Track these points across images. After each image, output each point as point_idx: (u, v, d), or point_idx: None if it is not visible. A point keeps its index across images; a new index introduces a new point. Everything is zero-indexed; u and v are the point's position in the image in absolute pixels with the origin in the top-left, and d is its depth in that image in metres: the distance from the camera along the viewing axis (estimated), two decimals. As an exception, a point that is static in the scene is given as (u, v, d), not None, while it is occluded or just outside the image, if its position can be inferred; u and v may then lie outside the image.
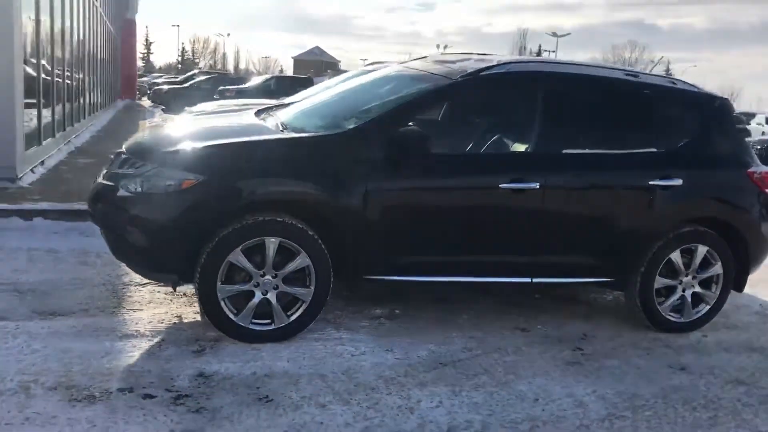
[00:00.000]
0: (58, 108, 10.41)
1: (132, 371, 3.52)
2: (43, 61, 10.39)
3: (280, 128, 4.26)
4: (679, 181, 4.43)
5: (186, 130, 4.37)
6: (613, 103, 4.55)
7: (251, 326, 3.88)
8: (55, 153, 9.54)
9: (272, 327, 3.91)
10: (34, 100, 8.26)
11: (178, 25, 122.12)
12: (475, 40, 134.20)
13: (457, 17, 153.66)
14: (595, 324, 4.77)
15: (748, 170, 4.65)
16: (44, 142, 8.57)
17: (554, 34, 62.31)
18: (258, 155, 3.88)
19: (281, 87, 22.83)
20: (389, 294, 4.86)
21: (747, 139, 4.92)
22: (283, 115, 4.57)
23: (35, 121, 8.42)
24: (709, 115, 4.71)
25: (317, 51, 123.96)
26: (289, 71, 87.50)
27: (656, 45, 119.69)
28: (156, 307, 4.39)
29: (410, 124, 4.13)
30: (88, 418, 3.02)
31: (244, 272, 3.82)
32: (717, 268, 4.63)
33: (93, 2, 19.04)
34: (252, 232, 3.76)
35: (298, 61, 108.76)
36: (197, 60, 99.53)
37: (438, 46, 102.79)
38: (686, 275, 4.60)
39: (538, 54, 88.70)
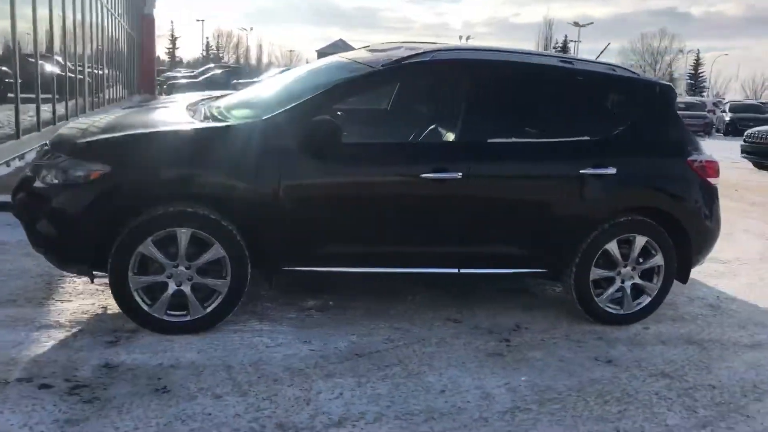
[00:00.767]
0: (46, 105, 10.51)
1: (38, 361, 3.54)
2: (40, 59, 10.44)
3: (204, 119, 4.24)
4: (612, 170, 4.33)
5: (106, 122, 4.37)
6: (544, 91, 4.46)
7: (166, 317, 3.88)
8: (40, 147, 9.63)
9: (188, 318, 3.91)
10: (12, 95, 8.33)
11: (203, 20, 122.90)
12: (503, 31, 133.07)
13: (485, 8, 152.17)
14: (534, 315, 4.69)
15: (688, 159, 4.53)
16: (24, 137, 8.64)
17: (576, 24, 61.47)
18: (164, 145, 3.87)
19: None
20: (328, 286, 4.84)
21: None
22: (215, 106, 4.55)
23: (13, 115, 8.51)
24: (649, 103, 4.59)
25: (341, 44, 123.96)
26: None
27: (688, 34, 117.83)
28: (85, 299, 4.41)
29: (339, 113, 4.09)
30: (-27, 406, 3.04)
31: (157, 263, 3.81)
32: (658, 259, 4.53)
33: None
34: (162, 223, 3.75)
35: (322, 54, 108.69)
36: (221, 54, 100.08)
37: (460, 38, 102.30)
38: (625, 266, 4.50)
39: (564, 45, 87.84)
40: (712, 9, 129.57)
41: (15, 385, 3.29)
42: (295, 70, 5.15)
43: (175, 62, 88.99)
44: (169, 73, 46.49)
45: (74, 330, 3.94)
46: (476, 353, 4.02)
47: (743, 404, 3.64)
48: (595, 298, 4.49)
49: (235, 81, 27.50)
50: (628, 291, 4.54)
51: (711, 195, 4.63)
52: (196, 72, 39.79)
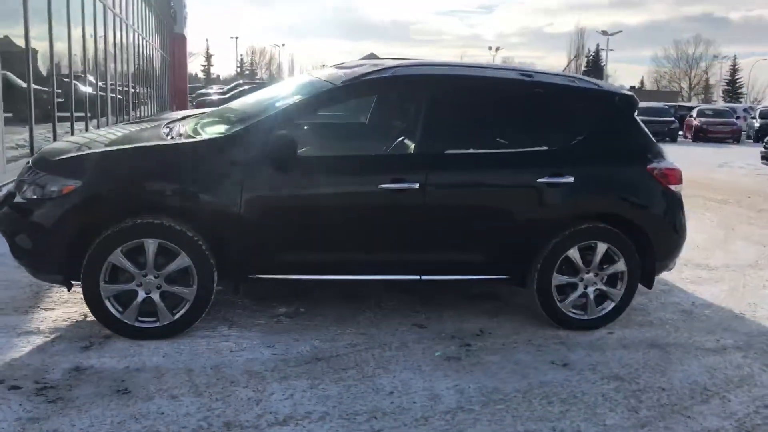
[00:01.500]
0: (80, 123, 11.03)
1: (12, 365, 3.78)
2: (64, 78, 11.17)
3: (177, 136, 4.47)
4: (570, 179, 4.45)
5: (84, 140, 4.63)
6: (501, 103, 4.60)
7: (137, 324, 4.10)
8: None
9: (157, 325, 4.12)
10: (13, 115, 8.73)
11: (237, 37, 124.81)
12: (536, 41, 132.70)
13: (517, 18, 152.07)
14: (500, 321, 4.81)
15: (648, 166, 4.63)
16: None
17: (604, 33, 61.02)
18: (132, 161, 4.11)
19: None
20: (302, 293, 5.03)
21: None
22: (191, 123, 4.78)
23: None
24: (608, 112, 4.71)
25: (371, 58, 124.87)
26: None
27: (726, 39, 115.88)
28: (69, 307, 4.65)
29: (305, 127, 4.28)
30: (-56, 406, 3.28)
31: (127, 272, 4.04)
32: (620, 265, 4.62)
33: (123, 21, 19.92)
34: (130, 234, 3.98)
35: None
36: (255, 70, 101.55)
37: (490, 48, 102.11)
38: (587, 272, 4.60)
39: (596, 53, 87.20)
40: (751, 13, 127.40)
41: (-13, 386, 3.52)
42: (269, 87, 5.36)
43: (210, 79, 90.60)
44: (202, 90, 47.40)
45: (53, 336, 4.19)
46: (433, 357, 4.16)
47: (688, 405, 3.72)
48: (558, 304, 4.60)
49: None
50: (592, 297, 4.64)
51: (673, 201, 4.72)
52: (227, 88, 40.49)
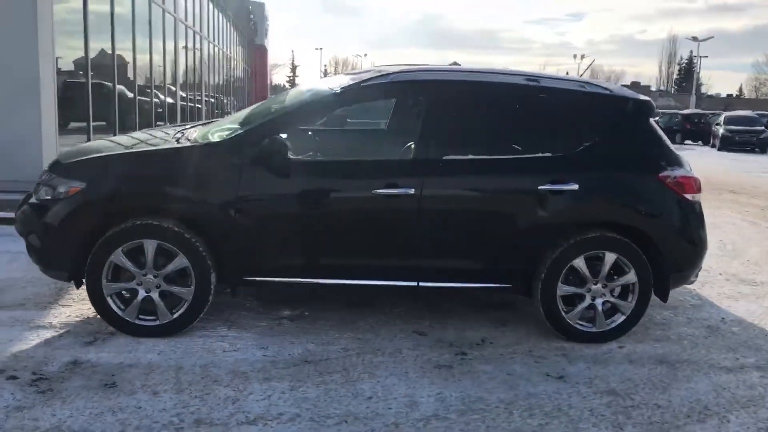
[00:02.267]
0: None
1: (18, 356, 3.98)
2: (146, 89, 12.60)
3: (185, 141, 4.61)
4: (574, 186, 4.32)
5: (98, 145, 4.84)
6: (503, 109, 4.52)
7: (137, 321, 4.24)
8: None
9: (157, 323, 4.25)
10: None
11: (321, 48, 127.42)
12: (627, 49, 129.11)
13: (608, 25, 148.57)
14: (506, 331, 4.72)
15: (660, 174, 4.44)
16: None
17: (694, 39, 58.61)
18: (133, 164, 4.28)
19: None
20: (308, 297, 5.08)
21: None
22: (204, 129, 4.92)
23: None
24: (619, 118, 4.55)
25: (454, 66, 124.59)
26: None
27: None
28: (84, 304, 4.84)
29: (309, 133, 4.34)
30: (-58, 392, 3.49)
31: (128, 272, 4.19)
32: (630, 277, 4.45)
33: (205, 38, 20.80)
34: (130, 235, 4.13)
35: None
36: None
37: (575, 57, 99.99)
38: (595, 283, 4.46)
39: (689, 61, 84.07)
40: None
41: (-12, 375, 3.72)
42: (279, 94, 5.45)
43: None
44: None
45: (62, 331, 4.38)
46: (425, 365, 4.11)
47: (680, 425, 3.54)
48: (564, 315, 4.46)
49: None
50: (600, 308, 4.48)
51: (688, 211, 4.51)
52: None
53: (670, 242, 4.47)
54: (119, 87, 11.57)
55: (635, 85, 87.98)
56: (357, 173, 4.32)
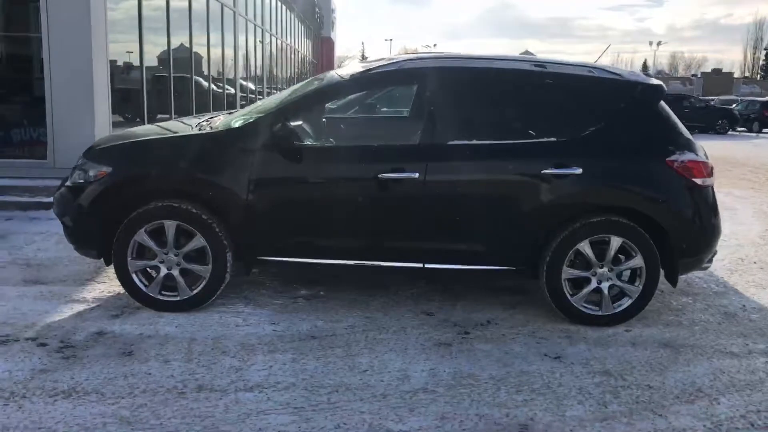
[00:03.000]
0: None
1: (50, 326, 4.35)
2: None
3: (206, 128, 4.88)
4: (578, 170, 4.38)
5: (128, 132, 5.17)
6: (508, 95, 4.60)
7: (160, 297, 4.55)
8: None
9: (178, 299, 4.55)
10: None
11: (390, 40, 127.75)
12: (711, 35, 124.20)
13: (691, 10, 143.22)
14: (514, 313, 4.81)
15: (668, 159, 4.44)
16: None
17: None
18: (154, 150, 4.58)
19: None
20: (326, 277, 5.30)
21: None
22: (228, 117, 5.19)
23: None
24: (626, 102, 4.56)
25: (525, 56, 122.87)
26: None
27: None
28: (117, 281, 5.20)
29: (323, 119, 4.54)
30: (-21, 355, 3.86)
31: (150, 250, 4.50)
32: (637, 261, 4.48)
33: (273, 35, 21.47)
34: (152, 216, 4.43)
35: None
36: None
37: (651, 43, 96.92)
38: (600, 267, 4.50)
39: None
40: None
41: (22, 342, 4.10)
42: (303, 83, 5.66)
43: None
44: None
45: (93, 305, 4.74)
46: (425, 342, 4.26)
47: (667, 405, 3.58)
48: (570, 298, 4.53)
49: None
50: (606, 292, 4.53)
51: (698, 196, 4.49)
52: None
53: (678, 227, 4.47)
54: (196, 78, 13.12)
55: (716, 72, 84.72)
56: (364, 158, 4.49)
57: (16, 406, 3.34)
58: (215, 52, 14.80)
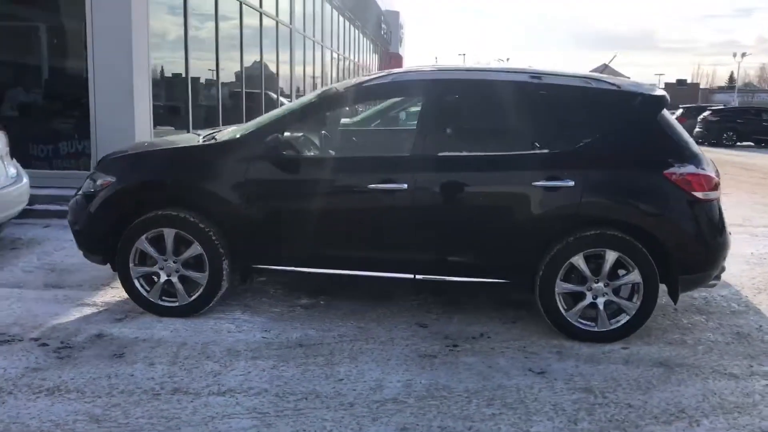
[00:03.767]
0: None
1: (55, 327, 4.56)
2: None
3: (209, 140, 5.03)
4: (570, 183, 4.30)
5: (137, 144, 5.38)
6: (502, 106, 4.56)
7: (160, 302, 4.71)
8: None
9: (177, 304, 4.70)
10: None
11: (464, 54, 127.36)
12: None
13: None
14: (512, 327, 4.75)
15: (666, 171, 4.30)
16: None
17: None
18: (154, 160, 4.75)
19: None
20: (329, 287, 5.36)
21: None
22: (235, 129, 5.34)
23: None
24: (624, 114, 4.45)
25: (601, 68, 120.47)
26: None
27: None
28: (132, 287, 5.41)
29: (322, 131, 4.63)
30: (-19, 352, 4.09)
31: (151, 257, 4.68)
32: (635, 276, 4.36)
33: (341, 56, 22.13)
34: (152, 224, 4.60)
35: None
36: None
37: (734, 55, 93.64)
38: (596, 281, 4.40)
39: None
40: None
41: (26, 341, 4.32)
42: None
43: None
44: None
45: (101, 309, 4.94)
46: (410, 354, 4.26)
47: (641, 425, 3.47)
48: (564, 313, 4.44)
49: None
50: (602, 308, 4.42)
51: (699, 210, 4.34)
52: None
53: (677, 242, 4.32)
54: (266, 92, 14.48)
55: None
56: (354, 169, 4.54)
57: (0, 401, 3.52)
58: (284, 69, 16.03)
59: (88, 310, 4.90)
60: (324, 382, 3.84)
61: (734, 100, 62.24)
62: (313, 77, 19.98)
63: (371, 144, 5.50)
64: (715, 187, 4.40)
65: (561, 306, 4.44)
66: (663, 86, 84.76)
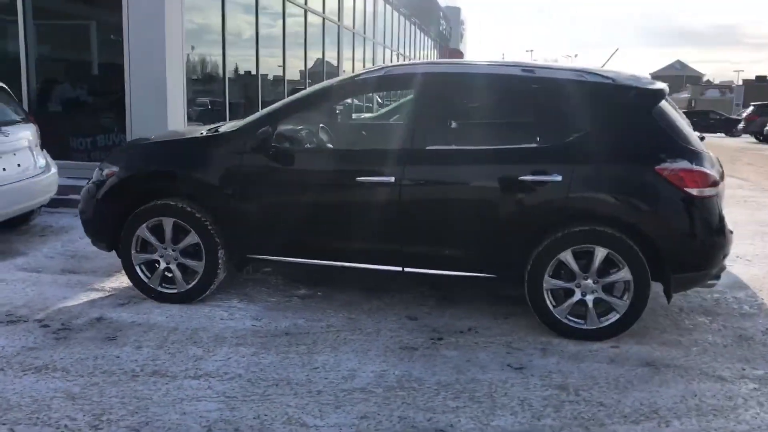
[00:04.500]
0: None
1: (60, 310, 4.78)
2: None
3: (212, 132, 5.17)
4: (557, 177, 4.25)
5: (162, 134, 5.57)
6: (493, 100, 4.53)
7: (160, 289, 4.88)
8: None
9: (175, 291, 4.86)
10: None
11: (531, 50, 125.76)
12: None
13: None
14: (503, 322, 4.72)
15: (658, 167, 4.20)
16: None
17: None
18: (152, 152, 4.91)
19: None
20: (330, 278, 5.43)
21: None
22: (237, 122, 5.46)
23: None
24: (616, 107, 4.36)
25: (678, 65, 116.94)
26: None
27: None
28: (142, 274, 5.61)
29: (320, 124, 4.72)
30: (-15, 331, 4.33)
31: (151, 245, 4.85)
32: (624, 274, 4.27)
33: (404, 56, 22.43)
34: (152, 213, 4.77)
35: (656, 77, 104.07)
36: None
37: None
38: (585, 278, 4.34)
39: None
40: None
41: (29, 322, 4.54)
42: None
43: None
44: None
45: (108, 294, 5.15)
46: (392, 345, 4.29)
47: (606, 423, 3.41)
48: (552, 309, 4.39)
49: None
50: (591, 305, 4.35)
51: (693, 207, 4.21)
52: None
53: (669, 239, 4.21)
54: None
55: None
56: (343, 162, 4.59)
57: (-11, 376, 3.73)
58: (346, 66, 16.49)
59: (95, 295, 5.11)
60: (299, 369, 3.91)
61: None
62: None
63: (372, 138, 5.53)
64: (713, 184, 4.26)
65: (549, 302, 4.39)
66: (741, 83, 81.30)
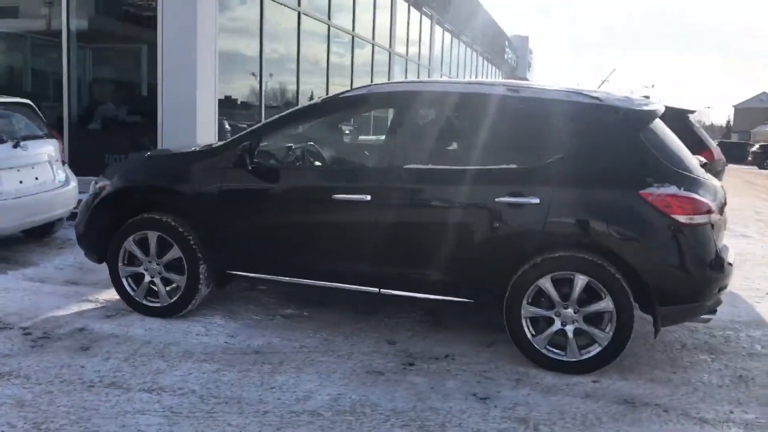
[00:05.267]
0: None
1: (47, 319, 4.87)
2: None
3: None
4: (535, 200, 4.07)
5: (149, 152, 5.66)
6: (472, 119, 4.39)
7: (145, 302, 4.91)
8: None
9: (159, 305, 4.88)
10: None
11: (605, 81, 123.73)
12: None
13: None
14: (485, 351, 4.52)
15: (642, 191, 3.97)
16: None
17: None
18: (140, 167, 4.97)
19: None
20: (321, 298, 5.35)
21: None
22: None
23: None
24: (601, 129, 4.15)
25: (764, 97, 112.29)
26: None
27: None
28: (139, 288, 5.67)
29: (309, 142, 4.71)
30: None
31: (137, 258, 4.90)
32: (606, 304, 4.04)
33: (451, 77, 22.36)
34: (138, 226, 4.83)
35: (740, 110, 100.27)
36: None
37: None
38: (565, 307, 4.13)
39: None
40: None
41: (15, 330, 4.63)
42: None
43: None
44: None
45: (99, 305, 5.22)
46: (359, 369, 4.16)
47: (556, 461, 3.20)
48: (530, 338, 4.19)
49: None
50: (571, 336, 4.13)
51: (680, 235, 3.95)
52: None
53: (654, 269, 3.97)
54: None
55: None
56: (320, 179, 4.54)
57: (-47, 380, 3.80)
58: None
59: (86, 306, 5.19)
60: (254, 389, 3.84)
61: None
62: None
63: (356, 156, 5.46)
64: (706, 212, 3.99)
65: (528, 331, 4.18)
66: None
